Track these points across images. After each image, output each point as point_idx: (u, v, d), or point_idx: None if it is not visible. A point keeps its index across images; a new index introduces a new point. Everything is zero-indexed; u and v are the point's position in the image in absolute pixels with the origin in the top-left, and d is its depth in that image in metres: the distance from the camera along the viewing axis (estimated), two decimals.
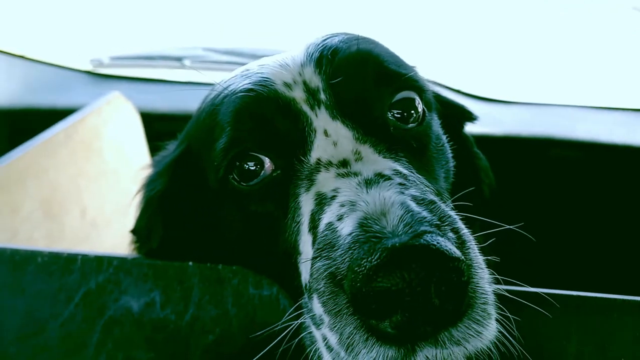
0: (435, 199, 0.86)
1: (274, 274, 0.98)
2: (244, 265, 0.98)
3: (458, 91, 2.41)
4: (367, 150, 0.95)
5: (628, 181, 2.02)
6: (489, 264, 0.84)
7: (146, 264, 0.99)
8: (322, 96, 1.01)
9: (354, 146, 0.95)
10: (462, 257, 0.75)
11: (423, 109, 1.08)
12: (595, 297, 0.89)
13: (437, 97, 1.23)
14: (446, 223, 0.81)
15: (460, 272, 0.74)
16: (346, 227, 0.81)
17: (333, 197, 0.88)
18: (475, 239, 0.85)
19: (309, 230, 0.91)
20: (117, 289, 0.99)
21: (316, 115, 1.00)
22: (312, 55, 1.06)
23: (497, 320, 0.81)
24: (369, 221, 0.79)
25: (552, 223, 2.05)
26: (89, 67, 2.60)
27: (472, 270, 0.79)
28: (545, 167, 2.08)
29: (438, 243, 0.73)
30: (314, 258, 0.84)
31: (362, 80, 1.03)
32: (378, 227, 0.77)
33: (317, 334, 0.84)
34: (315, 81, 1.03)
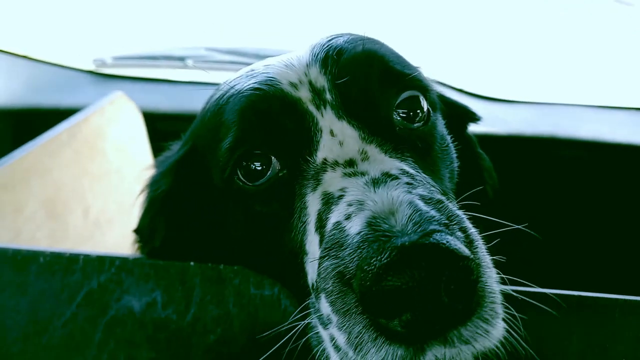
0: (443, 198, 0.86)
1: (279, 274, 0.98)
2: (249, 265, 0.98)
3: (462, 91, 2.41)
4: (373, 150, 0.95)
5: (632, 180, 2.01)
6: (495, 264, 0.84)
7: (148, 264, 0.99)
8: (328, 96, 1.01)
9: (360, 146, 0.95)
10: (472, 256, 0.75)
11: (428, 109, 1.08)
12: (597, 297, 0.89)
13: (441, 97, 1.23)
14: (454, 222, 0.81)
15: (469, 270, 0.74)
16: (354, 226, 0.81)
17: (340, 197, 0.88)
18: (481, 239, 0.85)
19: (316, 229, 0.91)
20: (119, 289, 0.99)
21: (322, 115, 1.00)
22: (317, 56, 1.06)
23: (503, 319, 0.81)
24: (378, 220, 0.79)
25: (556, 222, 2.05)
26: (92, 67, 2.61)
27: (481, 269, 0.79)
28: (549, 166, 2.08)
29: (447, 242, 0.73)
30: (321, 257, 0.84)
31: (368, 80, 1.03)
32: (387, 226, 0.77)
33: (324, 334, 0.84)
34: (321, 81, 1.03)
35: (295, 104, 1.00)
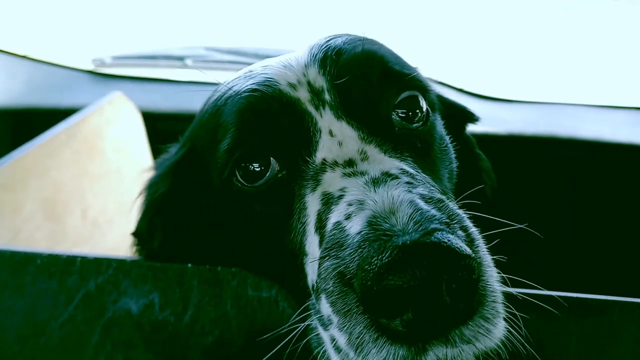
0: (443, 197, 0.86)
1: (278, 276, 0.97)
2: (248, 266, 0.98)
3: (462, 90, 2.41)
4: (372, 150, 0.95)
5: (632, 180, 2.01)
6: (495, 263, 0.84)
7: (145, 266, 0.99)
8: (327, 96, 1.01)
9: (360, 146, 0.95)
10: (473, 255, 0.75)
11: (427, 109, 1.08)
12: (596, 299, 0.89)
13: (440, 98, 1.23)
14: (455, 221, 0.81)
15: (471, 269, 0.74)
16: (355, 226, 0.80)
17: (340, 197, 0.87)
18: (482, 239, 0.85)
19: (316, 230, 0.90)
20: (116, 291, 0.98)
21: (321, 115, 0.99)
22: (315, 56, 1.06)
23: (504, 319, 0.80)
24: (378, 219, 0.78)
25: (557, 222, 2.05)
26: (92, 67, 2.61)
27: (482, 268, 0.78)
28: (549, 166, 2.07)
29: (449, 240, 0.73)
30: (321, 258, 0.84)
31: (368, 80, 1.02)
32: (388, 225, 0.77)
33: (324, 335, 0.84)
34: (320, 81, 1.02)
35: (294, 104, 1.00)
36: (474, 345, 0.76)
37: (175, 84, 2.50)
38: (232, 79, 1.10)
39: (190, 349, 0.96)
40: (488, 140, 2.03)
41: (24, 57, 2.55)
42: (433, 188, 0.91)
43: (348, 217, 0.83)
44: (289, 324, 0.90)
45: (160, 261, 1.00)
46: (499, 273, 0.83)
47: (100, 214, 1.71)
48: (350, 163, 0.93)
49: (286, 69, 1.05)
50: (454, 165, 1.14)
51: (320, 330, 0.85)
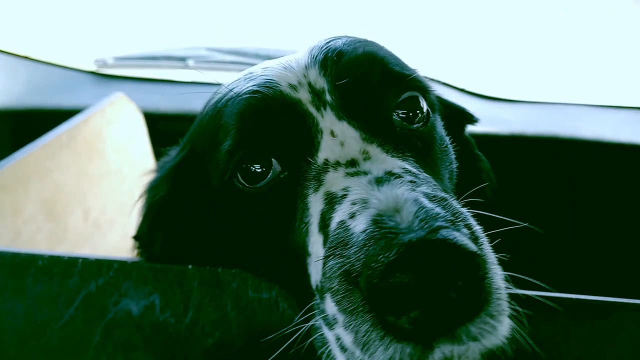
0: (447, 196, 0.86)
1: (280, 277, 0.97)
2: (250, 268, 0.98)
3: (464, 90, 2.40)
4: (374, 150, 0.95)
5: (633, 180, 2.00)
6: (498, 262, 0.84)
7: (146, 267, 0.99)
8: (328, 97, 1.01)
9: (362, 146, 0.95)
10: (479, 252, 0.75)
11: (427, 110, 1.08)
12: (596, 300, 0.89)
13: (439, 99, 1.24)
14: (460, 219, 0.81)
15: (477, 266, 0.74)
16: (360, 225, 0.80)
17: (344, 196, 0.87)
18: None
19: (319, 230, 0.90)
20: (117, 292, 0.99)
21: (322, 116, 0.99)
22: (316, 58, 1.06)
23: (509, 316, 0.81)
24: (383, 218, 0.78)
25: (558, 222, 2.04)
26: (93, 68, 2.61)
27: (487, 265, 0.78)
28: (550, 166, 2.07)
29: (455, 238, 0.73)
30: (326, 257, 0.84)
31: (368, 82, 1.03)
32: (393, 223, 0.77)
33: (329, 335, 0.84)
34: (321, 83, 1.03)
35: (295, 105, 1.00)
36: (480, 342, 0.76)
37: (177, 84, 2.50)
38: (232, 81, 1.10)
39: (191, 351, 0.97)
40: (489, 140, 2.03)
41: (25, 57, 2.56)
42: (436, 187, 0.91)
43: (352, 216, 0.83)
44: (292, 324, 0.90)
45: (162, 263, 1.00)
46: (502, 271, 0.83)
47: (101, 215, 1.72)
48: (352, 163, 0.93)
49: (286, 70, 1.05)
50: (454, 165, 1.14)
51: (325, 330, 0.85)
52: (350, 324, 0.78)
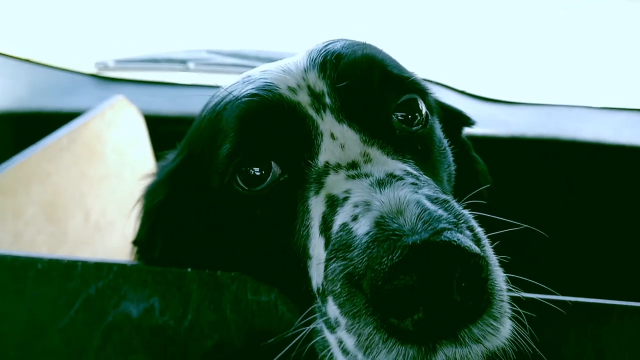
0: (449, 198, 0.86)
1: (280, 280, 0.97)
2: (250, 271, 0.98)
3: (463, 92, 2.41)
4: (375, 152, 0.95)
5: (634, 182, 2.00)
6: (500, 264, 0.84)
7: (145, 270, 0.99)
8: (327, 100, 1.01)
9: (362, 148, 0.95)
10: (482, 254, 0.75)
11: (426, 112, 1.08)
12: (595, 302, 0.89)
13: (437, 102, 1.24)
14: (462, 221, 0.81)
15: (480, 268, 0.75)
16: (362, 227, 0.80)
17: (345, 199, 0.87)
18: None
19: (321, 232, 0.90)
20: (117, 295, 0.99)
21: (322, 118, 0.99)
22: (315, 61, 1.06)
23: (510, 318, 0.81)
24: (386, 220, 0.78)
25: (559, 224, 2.04)
26: (94, 71, 2.61)
27: (490, 267, 0.79)
28: (550, 167, 2.07)
29: (458, 240, 0.73)
30: (328, 260, 0.84)
31: (368, 84, 1.03)
32: (396, 225, 0.77)
33: (331, 338, 0.84)
34: (320, 85, 1.03)
35: (295, 108, 1.00)
36: (482, 344, 0.77)
37: (178, 87, 2.51)
38: (230, 84, 1.10)
39: (190, 353, 0.97)
40: (490, 142, 2.03)
41: (26, 60, 2.56)
42: (437, 189, 0.91)
43: (355, 218, 0.83)
44: (293, 328, 0.90)
45: (161, 267, 1.01)
46: (504, 273, 0.84)
47: (101, 217, 1.72)
48: (353, 165, 0.93)
49: (285, 73, 1.05)
50: (452, 168, 1.14)
51: (327, 333, 0.85)
52: (353, 327, 0.78)
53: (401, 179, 0.87)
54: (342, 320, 0.80)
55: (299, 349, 0.88)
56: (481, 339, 0.76)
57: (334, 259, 0.82)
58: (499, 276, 0.80)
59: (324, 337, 0.86)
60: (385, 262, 0.73)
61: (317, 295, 0.89)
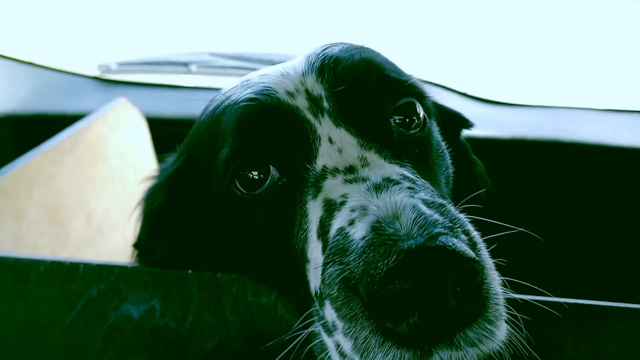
0: (445, 202, 0.87)
1: (279, 283, 0.98)
2: (249, 274, 0.99)
3: (464, 94, 2.41)
4: (372, 156, 0.95)
5: (634, 183, 2.00)
6: (497, 267, 0.85)
7: (146, 272, 1.00)
8: (325, 104, 1.02)
9: (360, 152, 0.96)
10: (477, 258, 0.76)
11: (424, 116, 1.09)
12: (593, 304, 0.89)
13: (435, 104, 1.24)
14: (458, 225, 0.81)
15: (475, 272, 0.75)
16: (359, 232, 0.81)
17: (342, 203, 0.88)
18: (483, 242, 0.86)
19: (318, 236, 0.91)
20: (118, 297, 1.00)
21: (320, 122, 1.00)
22: (313, 65, 1.07)
23: (506, 321, 0.81)
24: (382, 225, 0.79)
25: (559, 226, 2.04)
26: (97, 73, 2.62)
27: (485, 271, 0.79)
28: (551, 169, 2.07)
29: (453, 244, 0.74)
30: (325, 264, 0.84)
31: (366, 88, 1.03)
32: (392, 230, 0.78)
33: (328, 342, 0.84)
34: (318, 89, 1.03)
35: (293, 112, 1.01)
36: (478, 347, 0.77)
37: (180, 89, 2.51)
38: (229, 88, 1.11)
39: (190, 354, 0.97)
40: (490, 144, 2.04)
41: (29, 63, 2.57)
42: (434, 193, 0.92)
43: (351, 222, 0.83)
44: (292, 330, 0.91)
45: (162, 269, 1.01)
46: (500, 276, 0.84)
47: (104, 219, 1.73)
48: (351, 169, 0.93)
49: (284, 77, 1.06)
50: (451, 170, 1.15)
51: (325, 336, 0.85)
52: (350, 331, 0.79)
53: (398, 183, 0.88)
54: (339, 324, 0.81)
55: (298, 352, 0.88)
56: (476, 342, 0.77)
57: (331, 263, 0.83)
58: (495, 280, 0.81)
59: (322, 340, 0.86)
60: (381, 266, 0.74)
61: (315, 299, 0.90)
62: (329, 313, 0.82)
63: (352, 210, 0.85)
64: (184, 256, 1.10)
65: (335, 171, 0.94)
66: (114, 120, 1.83)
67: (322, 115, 1.01)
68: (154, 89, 2.53)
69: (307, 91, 1.03)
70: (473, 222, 0.88)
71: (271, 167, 1.00)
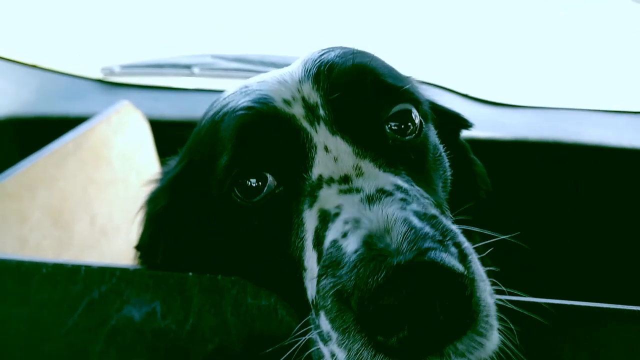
0: (437, 212, 0.88)
1: (278, 288, 0.99)
2: (249, 278, 0.99)
3: (466, 96, 2.41)
4: (367, 165, 0.96)
5: (636, 185, 2.00)
6: (490, 274, 0.85)
7: (147, 275, 1.01)
8: (321, 112, 1.02)
9: (355, 161, 0.96)
10: (465, 273, 0.77)
11: (420, 121, 1.09)
12: (591, 307, 0.90)
13: (433, 105, 1.24)
14: (448, 237, 0.82)
15: (463, 287, 0.76)
16: (351, 245, 0.82)
17: (336, 214, 0.89)
18: (476, 249, 0.86)
19: (314, 246, 0.92)
20: (120, 299, 1.00)
21: (316, 131, 1.00)
22: (309, 71, 1.07)
23: (498, 330, 0.82)
24: (374, 239, 0.80)
25: (560, 227, 2.04)
26: (100, 76, 2.63)
27: (475, 283, 0.80)
28: (553, 171, 2.07)
29: (442, 260, 0.75)
30: (319, 275, 0.85)
31: (359, 95, 1.04)
32: (383, 245, 0.79)
33: (325, 350, 0.85)
34: (314, 97, 1.03)
35: (289, 121, 1.01)
36: (468, 358, 0.78)
37: (183, 92, 2.52)
38: (228, 95, 1.12)
39: (191, 356, 0.98)
40: (492, 145, 2.04)
41: (33, 66, 2.58)
42: (427, 201, 0.92)
43: (344, 235, 0.85)
44: (291, 336, 0.92)
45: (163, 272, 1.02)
46: (494, 283, 0.85)
47: (107, 222, 1.74)
48: (345, 179, 0.94)
49: (281, 85, 1.06)
50: (448, 173, 1.15)
51: (321, 345, 0.86)
52: (343, 342, 0.80)
53: (390, 194, 0.89)
54: (333, 335, 0.82)
55: (297, 358, 0.89)
56: (466, 353, 0.78)
57: (325, 276, 0.84)
58: (485, 291, 0.82)
59: (319, 348, 0.87)
60: (371, 282, 0.75)
61: (312, 307, 0.91)
62: (324, 323, 0.84)
63: (346, 223, 0.86)
64: (185, 259, 1.11)
65: (331, 181, 0.95)
66: (117, 122, 1.84)
67: (318, 124, 1.01)
68: (157, 92, 2.54)
69: (303, 99, 1.03)
70: (464, 231, 0.88)
71: (268, 175, 1.01)
